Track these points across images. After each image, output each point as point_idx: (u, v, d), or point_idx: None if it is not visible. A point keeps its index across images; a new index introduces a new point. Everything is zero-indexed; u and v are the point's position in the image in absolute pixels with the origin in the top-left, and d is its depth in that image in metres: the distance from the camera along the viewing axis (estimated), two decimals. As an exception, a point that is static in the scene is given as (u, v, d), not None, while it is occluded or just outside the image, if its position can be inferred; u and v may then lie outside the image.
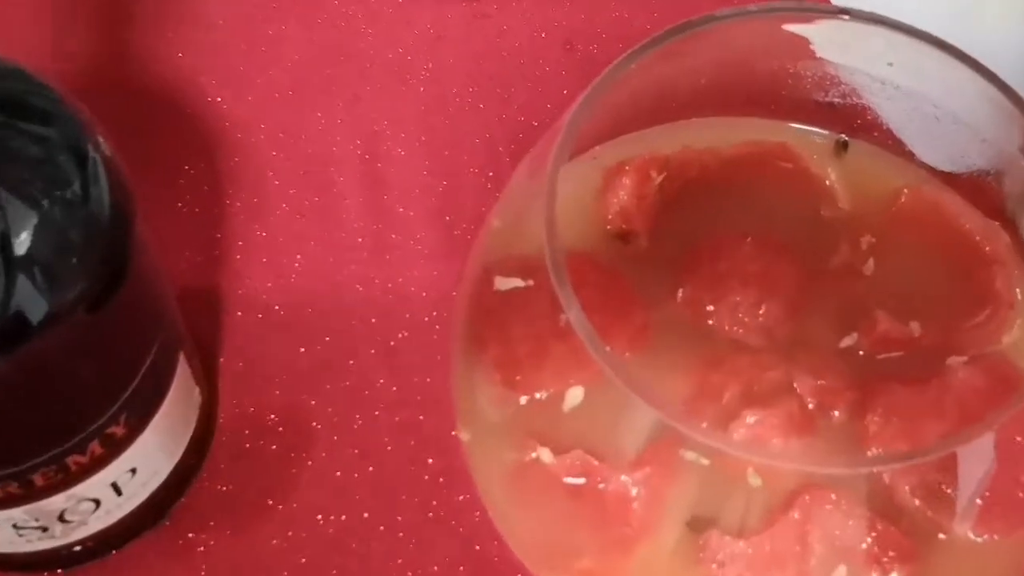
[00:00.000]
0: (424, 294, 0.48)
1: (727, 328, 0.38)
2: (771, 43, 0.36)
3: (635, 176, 0.40)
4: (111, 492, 0.41)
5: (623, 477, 0.35)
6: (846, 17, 0.35)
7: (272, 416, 0.46)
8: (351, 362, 0.47)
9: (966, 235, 0.39)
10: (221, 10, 0.54)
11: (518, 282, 0.37)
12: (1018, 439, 0.34)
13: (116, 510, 0.42)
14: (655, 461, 0.35)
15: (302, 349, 0.47)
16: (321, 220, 0.50)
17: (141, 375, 0.39)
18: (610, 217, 0.40)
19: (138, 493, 0.42)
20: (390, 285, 0.49)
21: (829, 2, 0.49)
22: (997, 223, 0.39)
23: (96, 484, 0.40)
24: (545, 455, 0.36)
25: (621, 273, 0.39)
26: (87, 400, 0.37)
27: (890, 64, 0.36)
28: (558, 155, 0.32)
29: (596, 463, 0.35)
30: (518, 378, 0.36)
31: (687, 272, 0.39)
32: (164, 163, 0.51)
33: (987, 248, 0.39)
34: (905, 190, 0.40)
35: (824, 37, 0.36)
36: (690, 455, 0.35)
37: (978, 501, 0.34)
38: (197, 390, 0.44)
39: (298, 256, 0.49)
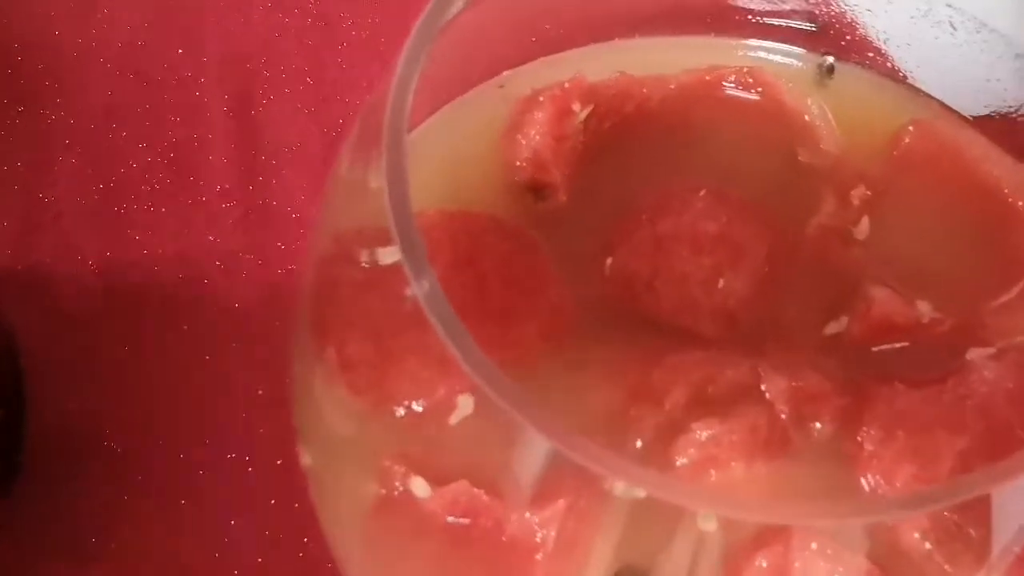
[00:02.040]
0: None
1: (673, 311, 0.28)
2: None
3: (552, 109, 0.30)
4: None
5: (527, 516, 0.26)
6: None
7: (95, 433, 0.37)
8: (207, 357, 0.37)
9: (991, 185, 0.29)
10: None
11: (384, 254, 0.28)
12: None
13: None
14: (571, 494, 0.26)
15: (135, 346, 0.38)
16: (177, 181, 0.40)
17: None
18: (519, 164, 0.30)
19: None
20: (260, 262, 0.39)
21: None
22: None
23: None
24: (419, 487, 0.26)
25: (532, 237, 0.29)
26: None
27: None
28: (405, 67, 0.22)
29: (487, 498, 0.26)
30: (378, 381, 0.27)
31: (619, 237, 0.29)
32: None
33: (1020, 203, 0.29)
34: (910, 127, 0.30)
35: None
36: (619, 486, 0.26)
37: (1015, 549, 0.25)
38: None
39: (145, 228, 0.40)
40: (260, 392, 0.37)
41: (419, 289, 0.21)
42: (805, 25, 0.31)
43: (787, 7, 0.31)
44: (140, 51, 0.43)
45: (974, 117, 0.31)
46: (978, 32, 0.28)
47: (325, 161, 0.40)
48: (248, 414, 0.37)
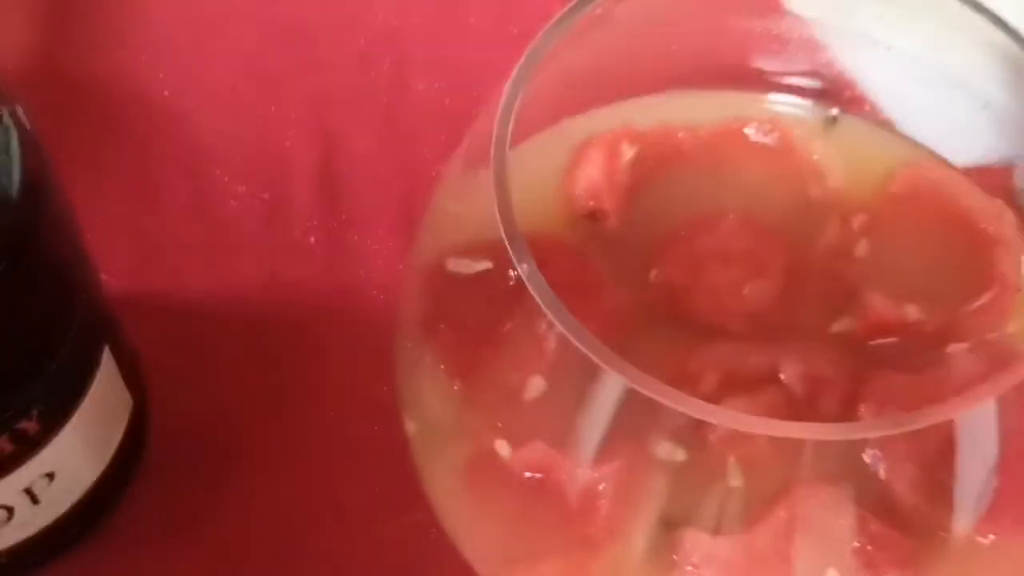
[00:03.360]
0: (382, 297, 0.45)
1: (706, 312, 0.35)
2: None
3: (604, 150, 0.36)
4: (25, 500, 0.37)
5: (590, 472, 0.32)
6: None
7: (212, 432, 0.43)
8: (301, 372, 0.44)
9: (968, 214, 0.35)
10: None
11: (475, 264, 0.34)
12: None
13: (32, 521, 0.38)
14: (625, 456, 0.32)
15: (248, 360, 0.44)
16: (270, 219, 0.47)
17: (57, 364, 0.35)
18: (577, 195, 0.36)
19: (57, 503, 0.38)
20: (344, 288, 0.45)
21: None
22: (1001, 200, 0.35)
23: (7, 488, 0.36)
24: (503, 448, 0.32)
25: (590, 254, 0.35)
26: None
27: (880, 18, 0.33)
28: (502, 121, 0.29)
29: (558, 456, 0.32)
30: (471, 366, 0.33)
31: (662, 253, 0.35)
32: (106, 159, 0.48)
33: (990, 228, 0.35)
34: (902, 169, 0.36)
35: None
36: (663, 450, 0.32)
37: (981, 497, 0.31)
38: (128, 395, 0.40)
39: (242, 257, 0.46)
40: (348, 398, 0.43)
41: (522, 270, 0.27)
42: (813, 83, 0.38)
43: (798, 68, 0.37)
44: (237, 98, 0.50)
45: (954, 161, 0.37)
46: (957, 88, 0.34)
47: (402, 200, 0.47)
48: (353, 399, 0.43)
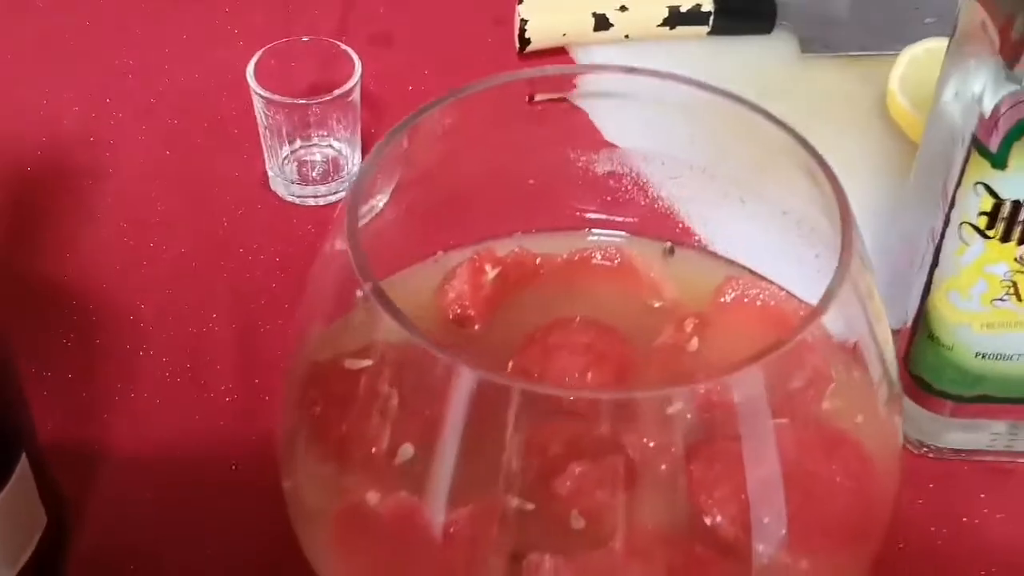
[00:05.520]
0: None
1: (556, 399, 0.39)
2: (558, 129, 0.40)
3: (470, 269, 0.42)
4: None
5: (445, 515, 0.36)
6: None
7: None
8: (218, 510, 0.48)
9: (779, 314, 0.41)
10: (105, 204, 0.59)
11: (360, 363, 0.39)
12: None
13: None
14: (476, 502, 0.36)
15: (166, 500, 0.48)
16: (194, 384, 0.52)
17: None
18: (447, 304, 0.42)
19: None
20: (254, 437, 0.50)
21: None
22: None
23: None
24: (372, 498, 0.36)
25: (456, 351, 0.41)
26: None
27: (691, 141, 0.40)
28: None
29: (420, 502, 0.36)
30: (347, 437, 0.37)
31: (518, 349, 0.40)
32: (51, 335, 0.53)
33: (795, 322, 0.41)
34: (728, 281, 0.42)
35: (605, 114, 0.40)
36: (515, 503, 0.36)
37: (784, 522, 0.35)
38: (43, 510, 0.44)
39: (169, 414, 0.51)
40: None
41: (365, 288, 0.32)
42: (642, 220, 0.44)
43: (631, 210, 0.43)
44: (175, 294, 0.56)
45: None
46: (775, 218, 0.41)
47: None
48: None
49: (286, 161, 0.60)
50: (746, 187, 0.41)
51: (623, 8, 0.68)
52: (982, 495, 0.49)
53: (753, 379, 0.33)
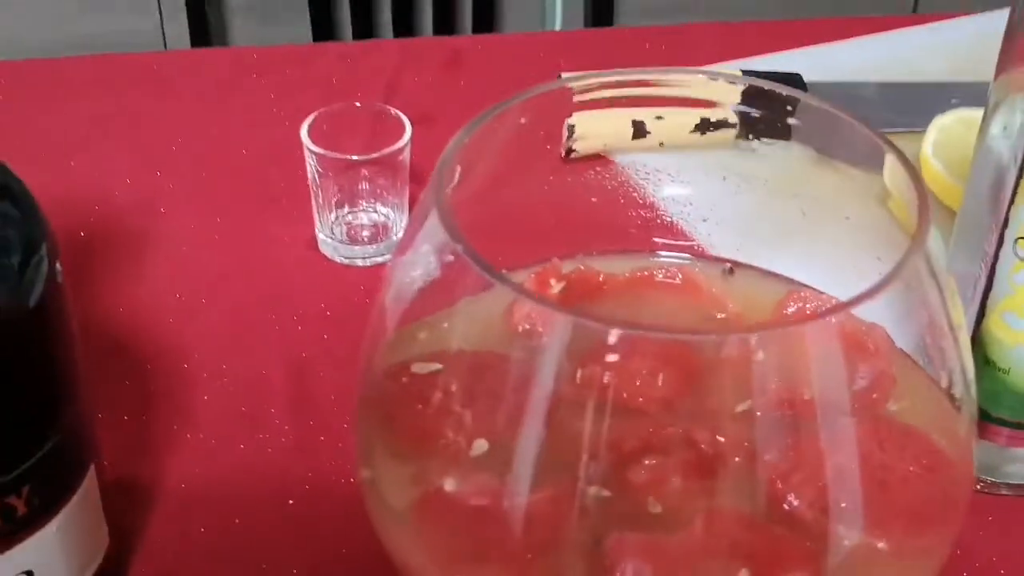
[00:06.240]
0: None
1: (626, 399, 0.40)
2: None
3: (536, 282, 0.43)
4: (3, 596, 0.40)
5: (525, 498, 0.36)
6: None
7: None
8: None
9: (843, 327, 0.42)
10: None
11: (431, 366, 0.40)
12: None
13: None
14: (554, 487, 0.36)
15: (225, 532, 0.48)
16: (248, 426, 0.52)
17: (46, 449, 0.39)
18: (516, 319, 0.42)
19: (33, 615, 0.41)
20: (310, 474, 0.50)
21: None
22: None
23: (-9, 572, 0.39)
24: (449, 484, 0.37)
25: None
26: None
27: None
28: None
29: (500, 485, 0.36)
30: (427, 433, 0.38)
31: (587, 360, 0.41)
32: (105, 383, 0.54)
33: (864, 337, 0.41)
34: (787, 292, 0.43)
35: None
36: (592, 490, 0.36)
37: (861, 506, 0.35)
38: (106, 530, 0.44)
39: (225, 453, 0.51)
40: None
41: (458, 246, 0.33)
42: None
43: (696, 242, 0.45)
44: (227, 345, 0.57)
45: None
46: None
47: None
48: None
49: (335, 224, 0.61)
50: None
51: (659, 117, 0.71)
52: (1042, 528, 0.49)
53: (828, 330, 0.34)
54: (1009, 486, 0.49)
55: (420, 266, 0.39)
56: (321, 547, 0.48)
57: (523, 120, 0.41)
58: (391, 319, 0.41)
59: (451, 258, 0.34)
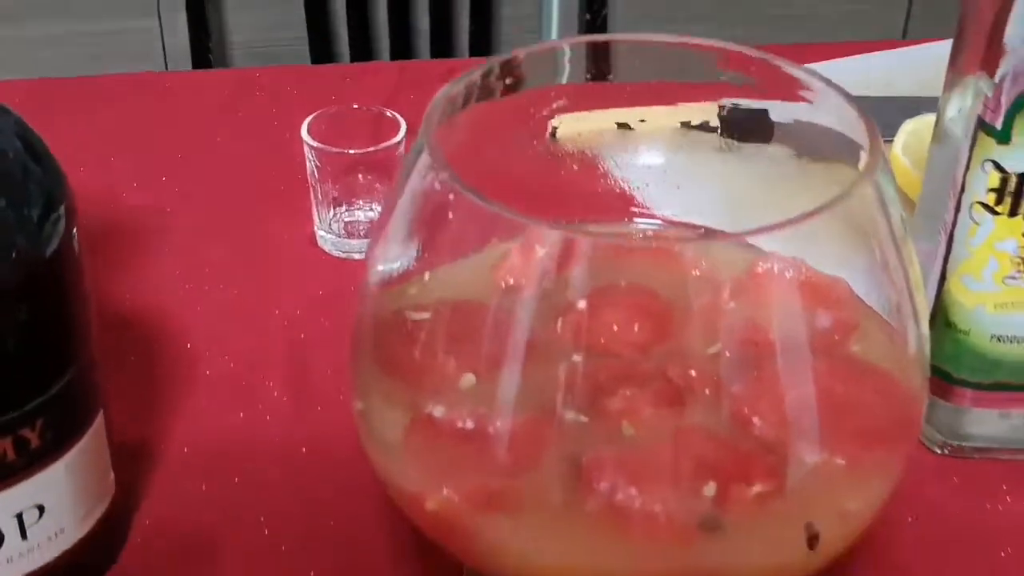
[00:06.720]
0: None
1: (604, 344, 0.42)
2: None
3: (521, 247, 0.46)
4: (15, 529, 0.42)
5: (509, 421, 0.38)
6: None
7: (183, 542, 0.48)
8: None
9: (818, 284, 0.44)
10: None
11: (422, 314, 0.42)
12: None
13: (18, 560, 0.43)
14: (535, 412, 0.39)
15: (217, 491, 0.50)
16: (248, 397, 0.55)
17: (59, 386, 0.42)
18: (502, 276, 0.45)
19: (43, 549, 0.43)
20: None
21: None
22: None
23: (3, 504, 0.41)
24: (437, 411, 0.39)
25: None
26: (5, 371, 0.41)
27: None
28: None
29: (485, 411, 0.38)
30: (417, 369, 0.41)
31: (568, 309, 0.44)
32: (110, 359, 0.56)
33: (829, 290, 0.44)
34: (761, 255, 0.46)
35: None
36: (570, 415, 0.39)
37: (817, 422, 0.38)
38: (113, 477, 0.46)
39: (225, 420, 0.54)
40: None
41: (444, 175, 0.36)
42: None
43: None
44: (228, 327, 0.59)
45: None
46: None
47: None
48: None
49: (333, 221, 0.64)
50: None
51: (643, 120, 0.74)
52: (1004, 486, 0.51)
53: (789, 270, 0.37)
54: (975, 449, 0.52)
55: (408, 200, 0.41)
56: (317, 499, 0.50)
57: (508, 81, 0.44)
58: (381, 249, 0.43)
59: (438, 187, 0.37)
